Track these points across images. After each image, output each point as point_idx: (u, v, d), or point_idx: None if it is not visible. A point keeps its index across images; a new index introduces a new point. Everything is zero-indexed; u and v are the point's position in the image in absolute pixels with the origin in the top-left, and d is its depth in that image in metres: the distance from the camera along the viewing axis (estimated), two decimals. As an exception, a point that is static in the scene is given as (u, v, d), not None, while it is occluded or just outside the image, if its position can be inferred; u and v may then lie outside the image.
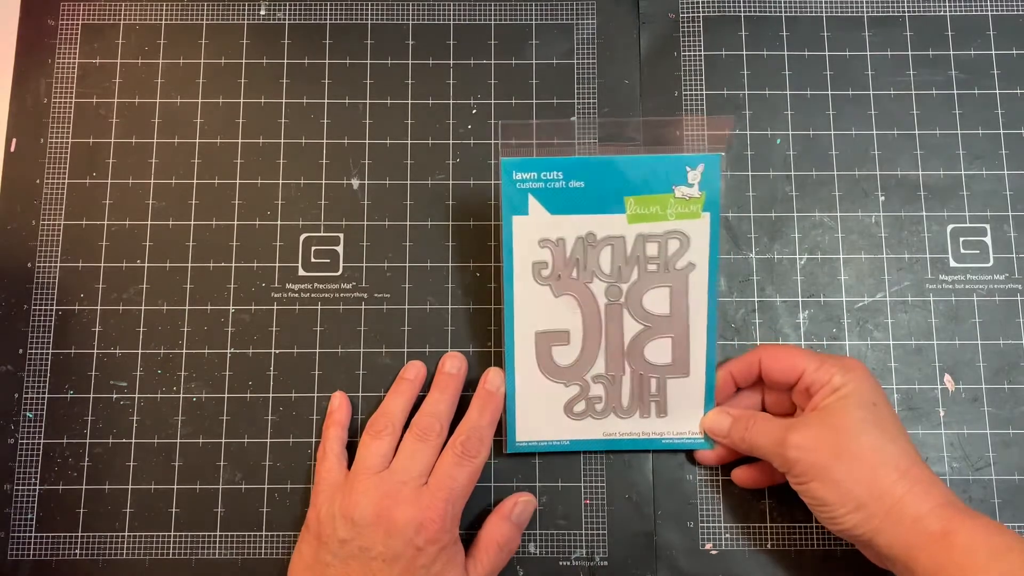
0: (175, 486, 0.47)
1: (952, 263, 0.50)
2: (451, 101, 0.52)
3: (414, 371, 0.48)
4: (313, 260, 0.50)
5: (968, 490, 0.47)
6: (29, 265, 0.50)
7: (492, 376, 0.47)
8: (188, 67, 0.52)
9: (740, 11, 0.53)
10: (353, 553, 0.41)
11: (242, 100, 0.52)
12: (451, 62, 0.52)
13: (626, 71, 0.52)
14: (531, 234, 0.45)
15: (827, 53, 0.52)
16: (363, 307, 0.49)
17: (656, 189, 0.45)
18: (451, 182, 0.51)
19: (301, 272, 0.50)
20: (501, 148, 0.45)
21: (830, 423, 0.41)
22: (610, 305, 0.46)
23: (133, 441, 0.48)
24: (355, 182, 0.51)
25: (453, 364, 0.47)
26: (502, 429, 0.47)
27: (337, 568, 0.41)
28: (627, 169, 0.45)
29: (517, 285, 0.46)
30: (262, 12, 0.53)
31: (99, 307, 0.49)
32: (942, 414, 0.48)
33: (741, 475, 0.47)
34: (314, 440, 0.48)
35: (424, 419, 0.45)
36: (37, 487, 0.47)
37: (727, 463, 0.47)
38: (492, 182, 0.51)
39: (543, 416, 0.47)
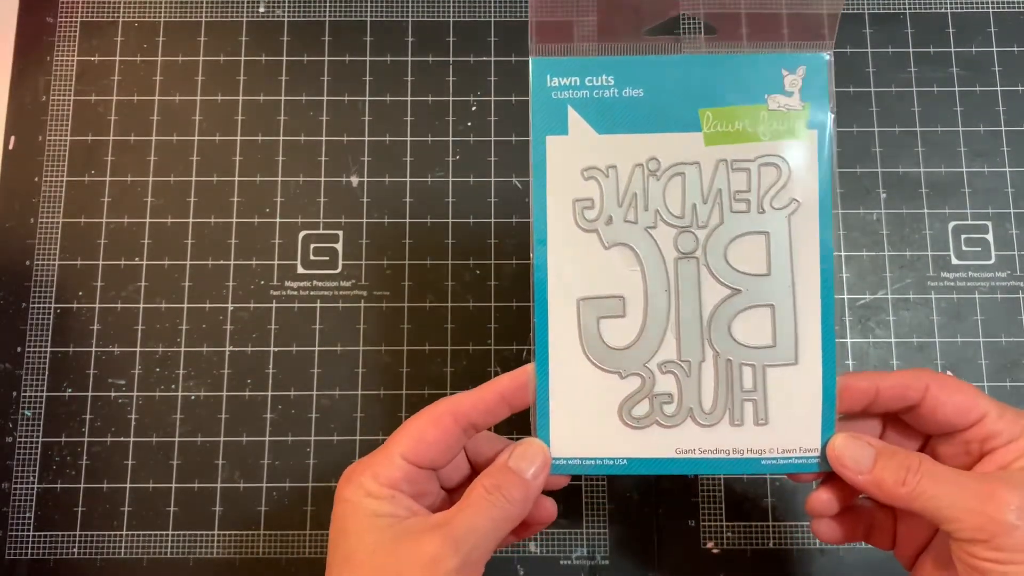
0: (173, 485, 0.47)
1: (954, 260, 0.50)
2: (451, 98, 0.52)
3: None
4: (312, 258, 0.50)
5: (970, 488, 0.47)
6: (27, 263, 0.50)
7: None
8: (187, 64, 0.52)
9: (741, 8, 0.53)
10: None
11: (241, 97, 0.52)
12: (451, 59, 0.52)
13: (626, 68, 0.52)
14: (572, 161, 0.34)
15: (828, 50, 0.52)
16: (362, 305, 0.49)
17: (743, 99, 0.34)
18: (451, 179, 0.51)
19: (300, 270, 0.50)
20: (535, 40, 0.34)
21: None
22: (683, 259, 0.34)
23: (131, 439, 0.48)
24: (354, 179, 0.51)
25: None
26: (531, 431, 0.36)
27: None
28: (703, 71, 0.34)
29: (552, 233, 0.34)
30: (261, 9, 0.53)
31: (97, 305, 0.49)
32: (944, 412, 0.48)
33: (822, 507, 0.35)
34: (313, 438, 0.48)
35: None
36: (35, 486, 0.47)
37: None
38: (492, 179, 0.51)
39: (589, 422, 0.34)
